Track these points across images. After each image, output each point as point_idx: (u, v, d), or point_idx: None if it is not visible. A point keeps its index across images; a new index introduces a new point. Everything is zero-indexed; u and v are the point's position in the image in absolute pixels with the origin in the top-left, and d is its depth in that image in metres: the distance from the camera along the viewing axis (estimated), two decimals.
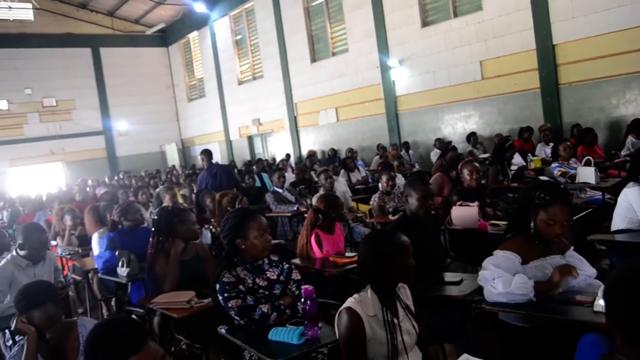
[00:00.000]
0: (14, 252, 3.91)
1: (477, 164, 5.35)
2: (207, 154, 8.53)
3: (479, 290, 2.95)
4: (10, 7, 18.44)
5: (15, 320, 2.59)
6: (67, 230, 6.28)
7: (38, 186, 16.01)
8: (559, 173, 6.41)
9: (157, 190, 7.38)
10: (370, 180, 9.90)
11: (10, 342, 3.59)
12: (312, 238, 4.24)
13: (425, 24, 12.27)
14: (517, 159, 8.12)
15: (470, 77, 11.44)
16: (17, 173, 18.81)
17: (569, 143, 6.87)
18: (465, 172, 5.10)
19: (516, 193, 6.91)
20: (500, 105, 11.11)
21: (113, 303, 5.70)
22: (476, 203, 4.70)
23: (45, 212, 8.56)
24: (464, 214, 4.58)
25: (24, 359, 2.49)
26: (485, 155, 9.80)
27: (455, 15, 11.65)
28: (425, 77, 12.39)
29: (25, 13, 18.88)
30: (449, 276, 3.43)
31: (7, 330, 3.61)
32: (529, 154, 8.58)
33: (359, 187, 9.35)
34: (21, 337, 3.12)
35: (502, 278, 2.62)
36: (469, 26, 11.30)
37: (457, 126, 12.07)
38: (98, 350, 1.56)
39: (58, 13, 19.55)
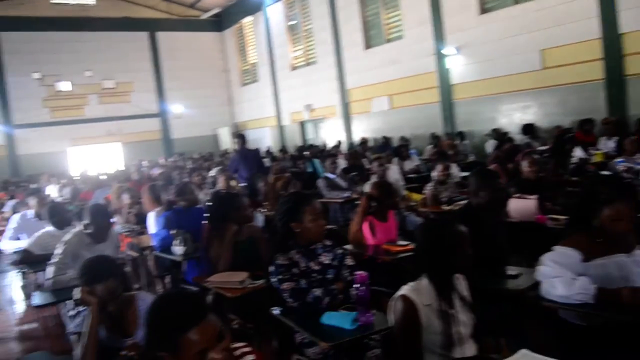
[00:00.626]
0: (80, 228, 4.07)
1: (536, 156, 5.20)
2: (241, 137, 8.91)
3: (537, 285, 2.88)
4: None
5: (79, 292, 2.70)
6: (125, 209, 6.50)
7: (97, 165, 16.63)
8: (623, 168, 6.15)
9: (212, 172, 7.54)
10: (423, 170, 9.77)
11: (73, 312, 3.75)
12: (365, 225, 4.23)
13: (483, 10, 11.94)
14: (578, 153, 7.84)
15: (529, 67, 11.07)
16: (77, 152, 19.58)
17: (635, 137, 6.57)
18: (525, 164, 4.96)
19: (576, 187, 6.69)
20: (560, 96, 10.72)
21: (168, 280, 5.88)
22: (535, 196, 4.58)
23: (104, 190, 8.88)
24: (521, 206, 4.47)
25: (87, 328, 2.60)
26: (544, 148, 9.50)
27: (516, 1, 11.28)
28: (482, 65, 12.09)
29: None
30: (507, 270, 3.36)
31: (69, 301, 3.78)
32: (590, 148, 8.26)
33: (412, 175, 9.24)
34: (84, 308, 3.27)
35: (563, 279, 2.53)
36: (529, 13, 10.92)
37: (514, 117, 11.74)
38: (159, 320, 1.59)
39: None
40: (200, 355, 1.52)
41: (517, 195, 4.62)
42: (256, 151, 9.67)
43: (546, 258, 2.65)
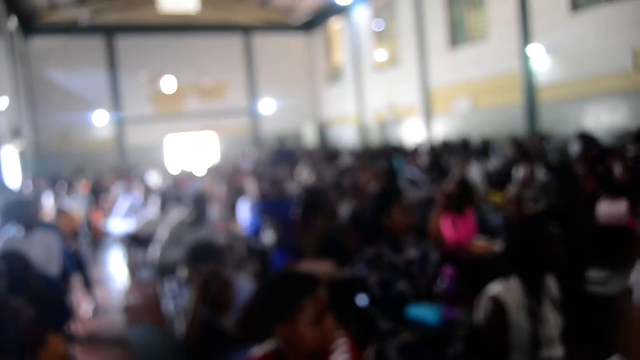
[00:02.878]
0: (182, 214, 4.28)
1: (629, 159, 4.85)
2: (281, 141, 12.52)
3: (629, 291, 2.69)
4: (178, 0, 20.09)
5: (184, 271, 2.83)
6: (222, 197, 6.75)
7: (195, 157, 17.39)
8: None
9: (300, 166, 7.69)
10: (504, 171, 9.40)
11: (175, 289, 3.95)
12: (446, 221, 4.13)
13: (573, 9, 11.28)
14: None
15: (620, 67, 10.33)
16: (177, 144, 20.58)
17: None
18: (620, 166, 4.64)
19: None
20: None
21: (257, 266, 6.04)
22: (624, 199, 4.27)
23: (201, 180, 9.26)
24: (611, 210, 4.18)
25: (191, 305, 2.71)
26: (634, 151, 8.86)
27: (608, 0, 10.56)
28: (570, 66, 11.41)
29: (190, 4, 20.42)
30: (594, 274, 3.17)
31: (172, 279, 3.98)
32: None
33: (493, 176, 8.91)
34: (186, 286, 3.42)
35: None
36: (623, 12, 10.17)
37: (601, 120, 11.01)
38: (278, 290, 1.69)
39: (217, 4, 20.86)
40: (314, 323, 1.62)
41: (607, 199, 4.33)
42: (290, 152, 13.02)
43: None
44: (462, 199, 4.22)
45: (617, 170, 4.62)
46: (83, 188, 10.84)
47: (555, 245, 2.18)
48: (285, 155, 12.51)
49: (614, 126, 10.64)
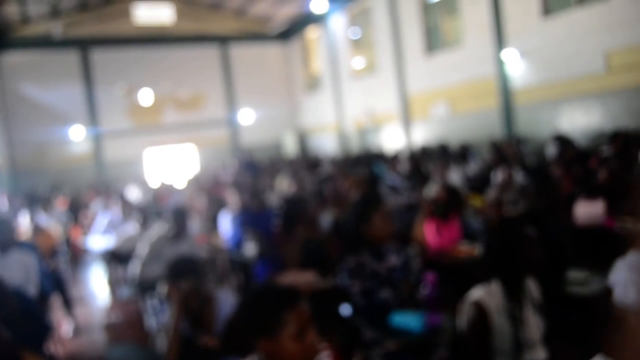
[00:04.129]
0: (162, 228, 4.23)
1: (607, 161, 4.94)
2: (248, 154, 12.75)
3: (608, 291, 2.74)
4: (153, 11, 20.03)
5: (164, 287, 2.80)
6: (202, 210, 6.69)
7: (174, 170, 17.24)
8: None
9: (280, 176, 7.67)
10: (483, 174, 9.50)
11: (156, 305, 3.89)
12: (430, 226, 4.15)
13: (545, 13, 11.49)
14: None
15: (592, 70, 10.55)
16: (155, 158, 20.38)
17: None
18: (604, 169, 4.72)
19: None
20: (626, 99, 10.13)
21: (239, 278, 5.99)
22: (601, 199, 4.35)
23: (181, 193, 9.19)
24: (588, 210, 4.25)
25: (172, 322, 2.68)
26: (609, 152, 9.03)
27: (581, 2, 10.78)
28: (544, 69, 11.62)
29: (166, 15, 20.41)
30: (573, 274, 3.21)
31: (153, 295, 3.92)
32: None
33: (472, 180, 9.00)
34: (166, 302, 3.38)
35: (637, 285, 2.39)
36: (594, 15, 10.39)
37: (576, 121, 11.22)
38: (259, 304, 1.67)
39: (193, 15, 20.82)
40: (296, 338, 1.60)
41: (583, 199, 4.40)
42: (256, 163, 13.82)
43: (620, 264, 2.51)
44: (449, 204, 4.23)
45: (601, 173, 4.70)
46: (60, 204, 10.67)
47: (533, 247, 2.21)
48: (252, 166, 13.07)
49: (589, 128, 10.85)
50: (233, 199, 6.03)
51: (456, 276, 3.79)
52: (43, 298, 4.45)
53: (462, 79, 13.81)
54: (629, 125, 9.89)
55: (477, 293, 2.21)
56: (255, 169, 11.72)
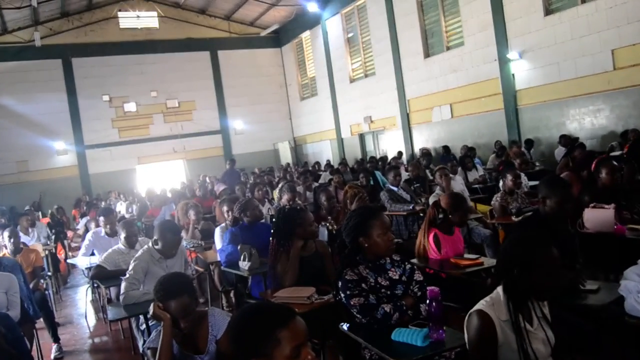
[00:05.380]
0: (150, 245, 4.21)
1: (614, 162, 4.94)
2: (232, 161, 13.78)
3: (618, 300, 2.74)
4: (138, 17, 20.08)
5: (152, 307, 2.78)
6: (191, 224, 6.68)
7: (162, 182, 17.22)
8: None
9: (280, 186, 7.70)
10: (488, 180, 9.53)
11: (144, 326, 3.88)
12: (431, 238, 4.14)
13: (548, 12, 11.59)
14: None
15: (599, 68, 10.62)
16: (143, 170, 20.37)
17: None
18: (604, 170, 4.72)
19: None
20: (635, 97, 10.20)
21: (232, 295, 5.98)
22: (612, 205, 4.34)
23: (170, 207, 9.18)
24: (598, 216, 4.25)
25: (160, 343, 2.67)
26: (618, 153, 9.06)
27: (583, 1, 10.87)
28: (548, 69, 11.70)
29: (151, 21, 20.47)
30: (583, 283, 3.20)
31: (141, 316, 3.91)
32: None
33: (477, 186, 9.03)
34: (155, 322, 3.37)
35: None
36: (599, 12, 10.49)
37: (584, 121, 11.27)
38: (251, 324, 1.65)
39: (180, 19, 20.90)
40: (291, 357, 1.59)
41: (593, 204, 4.40)
42: (238, 171, 14.27)
43: (631, 272, 2.52)
44: (451, 213, 4.22)
45: (604, 173, 4.70)
46: (44, 220, 10.64)
47: (555, 269, 2.13)
48: (236, 174, 13.30)
49: (598, 127, 10.88)
50: (225, 211, 6.03)
51: (461, 287, 3.79)
52: (27, 319, 4.43)
53: (464, 81, 13.88)
54: (638, 124, 9.95)
55: (481, 304, 2.20)
56: (238, 177, 11.98)
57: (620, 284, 2.56)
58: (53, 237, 9.09)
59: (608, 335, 2.98)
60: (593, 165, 4.96)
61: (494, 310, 2.15)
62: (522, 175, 6.56)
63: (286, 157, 22.06)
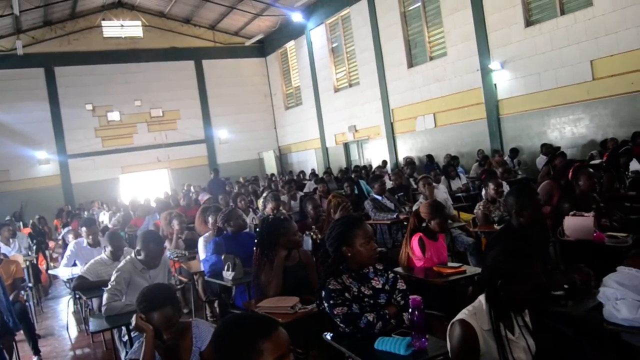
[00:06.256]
0: (132, 255, 4.17)
1: (592, 170, 5.02)
2: (215, 171, 13.84)
3: (598, 307, 2.77)
4: (122, 26, 20.00)
5: (134, 318, 2.75)
6: (175, 234, 6.63)
7: (146, 192, 17.10)
8: None
9: (265, 195, 7.68)
10: (471, 188, 9.61)
11: (126, 337, 3.83)
12: (416, 241, 4.14)
13: (529, 23, 11.77)
14: (635, 166, 7.55)
15: (579, 78, 10.82)
16: (127, 179, 20.21)
17: None
18: (582, 178, 4.78)
19: (634, 202, 6.43)
20: (614, 107, 10.39)
21: (216, 305, 5.95)
22: (592, 213, 4.41)
23: (154, 216, 9.11)
24: (578, 224, 4.30)
25: (142, 356, 2.64)
26: (598, 161, 9.20)
27: (563, 12, 11.07)
28: (530, 79, 11.88)
29: (135, 30, 20.40)
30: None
31: (123, 327, 3.86)
32: None
33: (460, 195, 9.10)
34: (137, 334, 3.33)
35: (626, 301, 2.43)
36: (578, 23, 10.69)
37: (564, 130, 11.44)
38: (234, 335, 1.63)
39: (164, 29, 20.86)
40: None
41: (573, 212, 4.45)
42: (223, 181, 14.55)
43: (610, 279, 2.55)
44: (431, 221, 4.25)
45: (582, 181, 4.76)
46: (26, 230, 10.50)
47: (539, 284, 2.16)
48: (220, 183, 13.40)
49: (577, 136, 11.05)
50: (209, 221, 6.00)
51: (444, 296, 3.81)
52: (6, 332, 4.35)
53: (447, 90, 14.03)
54: (617, 133, 10.12)
55: (463, 313, 2.22)
56: (222, 186, 11.99)
57: (599, 291, 2.59)
58: (34, 247, 8.97)
59: (588, 342, 3.02)
60: (570, 173, 5.03)
61: (476, 319, 2.17)
62: (504, 183, 6.62)
63: (271, 166, 22.04)
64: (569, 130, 11.34)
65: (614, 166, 7.05)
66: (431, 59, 14.61)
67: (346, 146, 19.03)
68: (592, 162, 9.40)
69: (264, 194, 7.96)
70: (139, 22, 20.50)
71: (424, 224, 4.27)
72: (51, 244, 10.80)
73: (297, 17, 18.64)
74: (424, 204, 4.47)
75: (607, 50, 10.22)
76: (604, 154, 9.08)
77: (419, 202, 6.67)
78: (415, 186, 8.80)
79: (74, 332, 6.60)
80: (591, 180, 4.77)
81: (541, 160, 10.60)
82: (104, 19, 19.85)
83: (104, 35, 20.02)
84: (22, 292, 5.89)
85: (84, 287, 4.91)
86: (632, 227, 4.69)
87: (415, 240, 4.18)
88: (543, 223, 3.97)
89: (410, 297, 2.55)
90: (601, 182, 6.60)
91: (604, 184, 6.58)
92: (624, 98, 10.14)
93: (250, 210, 7.98)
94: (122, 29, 20.11)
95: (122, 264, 4.11)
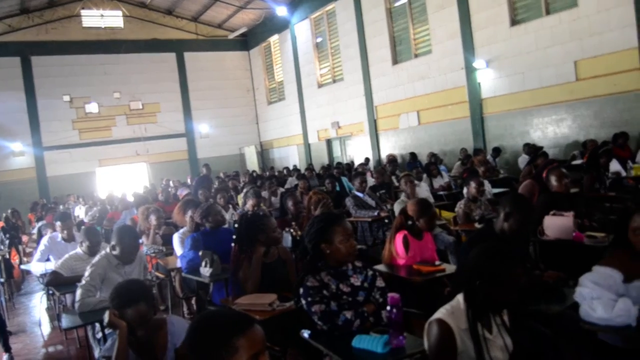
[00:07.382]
0: (107, 250, 4.13)
1: (564, 169, 5.07)
2: (207, 167, 13.02)
3: (574, 305, 2.80)
4: (102, 15, 19.76)
5: (107, 314, 2.72)
6: (152, 230, 6.57)
7: (124, 186, 16.92)
8: None
9: (245, 191, 7.66)
10: (453, 187, 9.67)
11: (100, 334, 3.80)
12: (400, 239, 4.14)
13: (514, 22, 11.88)
14: (615, 166, 7.67)
15: (563, 79, 10.95)
16: (105, 173, 19.99)
17: None
18: (553, 178, 4.84)
19: (614, 202, 6.54)
20: (596, 108, 10.54)
21: (194, 302, 5.91)
22: (571, 213, 4.46)
23: (131, 211, 9.02)
24: (558, 224, 4.36)
25: (115, 352, 2.62)
26: (579, 162, 9.33)
27: (548, 12, 11.19)
28: (514, 78, 11.99)
29: (115, 20, 20.16)
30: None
31: (97, 324, 3.82)
32: (629, 161, 8.06)
33: (442, 193, 9.15)
34: (111, 331, 3.30)
35: (602, 300, 2.47)
36: (563, 24, 10.81)
37: (547, 130, 11.57)
38: (208, 331, 1.62)
39: (145, 20, 20.65)
40: None
41: (553, 212, 4.51)
42: (211, 179, 13.62)
43: (585, 279, 2.59)
44: (418, 219, 4.25)
45: (553, 180, 4.82)
46: None
47: (517, 286, 2.17)
48: (208, 181, 13.33)
49: (560, 136, 11.18)
50: (187, 216, 5.95)
51: (424, 293, 3.83)
52: None
53: (431, 88, 14.09)
54: (598, 134, 10.26)
55: (440, 312, 2.23)
56: (209, 182, 11.84)
57: (576, 291, 2.63)
58: (7, 241, 8.84)
59: (565, 341, 3.06)
60: (544, 174, 5.09)
61: (454, 318, 2.18)
62: (486, 182, 6.68)
63: (252, 161, 21.96)
64: (551, 130, 11.48)
65: (594, 167, 7.15)
66: (416, 56, 14.67)
67: (329, 142, 19.04)
68: (574, 162, 9.53)
69: (245, 190, 7.93)
70: (119, 12, 20.26)
71: (410, 222, 4.27)
72: (24, 238, 10.65)
73: (281, 11, 18.58)
74: (412, 201, 4.46)
75: (591, 52, 10.35)
76: (585, 154, 9.21)
77: (401, 200, 6.70)
78: (397, 184, 8.84)
79: (46, 328, 6.52)
80: (562, 181, 4.82)
81: (523, 159, 10.71)
82: (83, 8, 19.57)
83: (83, 25, 19.75)
84: None
85: (58, 283, 4.85)
86: (612, 227, 4.77)
87: (399, 238, 4.18)
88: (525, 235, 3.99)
89: (389, 294, 2.56)
90: (582, 182, 6.70)
91: (584, 185, 6.68)
92: (607, 99, 10.28)
93: (230, 206, 7.94)
94: (102, 18, 19.86)
95: (96, 259, 4.07)
